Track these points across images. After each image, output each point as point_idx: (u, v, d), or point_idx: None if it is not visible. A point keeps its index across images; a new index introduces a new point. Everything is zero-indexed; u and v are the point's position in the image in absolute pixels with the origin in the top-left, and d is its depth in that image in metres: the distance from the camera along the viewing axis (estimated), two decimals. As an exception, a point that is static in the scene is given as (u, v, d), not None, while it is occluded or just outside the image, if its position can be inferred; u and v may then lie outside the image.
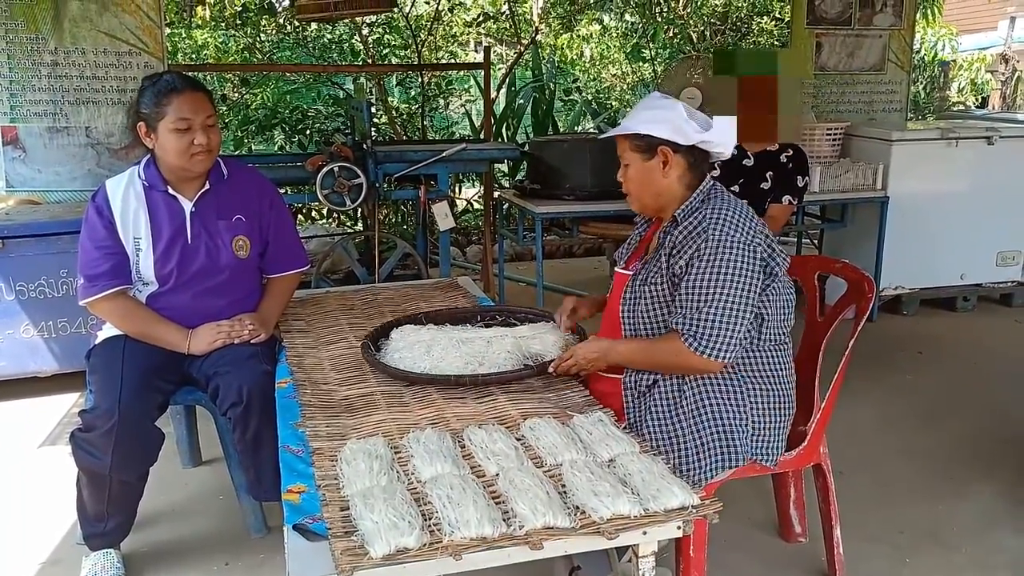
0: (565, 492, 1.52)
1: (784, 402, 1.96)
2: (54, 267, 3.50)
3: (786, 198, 3.29)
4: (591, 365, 2.00)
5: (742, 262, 1.83)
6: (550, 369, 2.01)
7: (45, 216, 3.65)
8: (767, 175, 3.30)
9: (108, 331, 2.39)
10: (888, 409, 3.45)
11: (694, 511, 1.48)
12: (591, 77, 9.04)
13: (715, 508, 1.49)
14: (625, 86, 8.72)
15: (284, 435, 1.82)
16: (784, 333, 2.00)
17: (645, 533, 1.46)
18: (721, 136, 1.93)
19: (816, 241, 5.40)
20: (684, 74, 4.08)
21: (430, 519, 1.43)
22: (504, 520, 1.42)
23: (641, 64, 8.51)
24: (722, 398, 1.90)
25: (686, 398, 1.91)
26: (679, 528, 1.47)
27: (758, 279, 1.86)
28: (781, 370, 1.97)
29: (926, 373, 3.86)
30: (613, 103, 8.43)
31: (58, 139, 4.01)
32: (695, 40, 8.06)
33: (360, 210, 4.96)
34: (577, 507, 1.47)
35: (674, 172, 1.95)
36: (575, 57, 9.08)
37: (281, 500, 1.58)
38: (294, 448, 1.74)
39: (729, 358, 1.84)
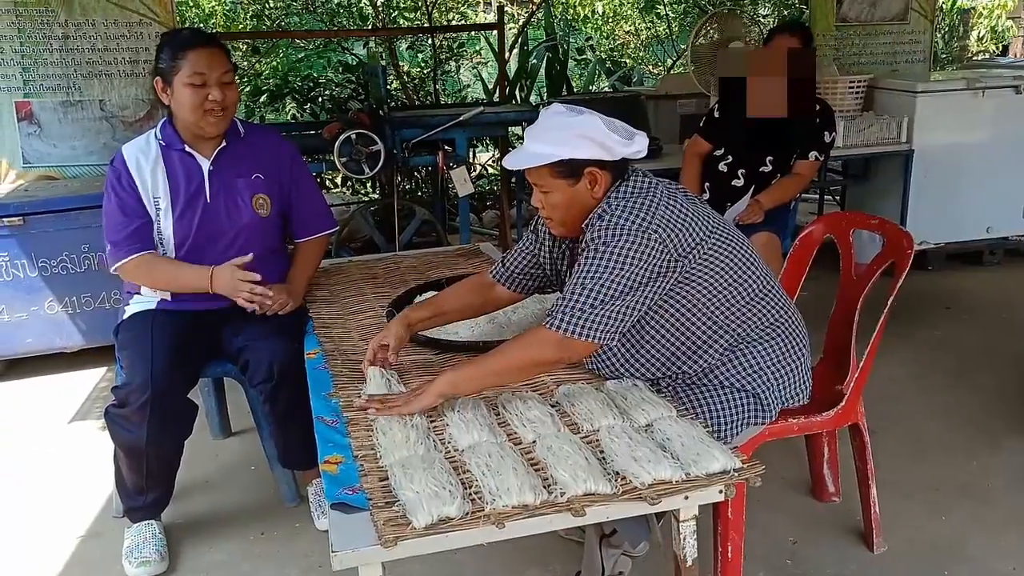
0: (604, 458, 1.51)
1: (797, 344, 1.88)
2: (75, 242, 3.50)
3: (812, 154, 3.22)
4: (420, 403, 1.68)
5: (629, 249, 1.66)
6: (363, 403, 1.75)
7: (64, 191, 3.64)
8: (793, 131, 3.23)
9: (135, 306, 2.38)
10: (918, 365, 3.41)
11: (735, 475, 1.47)
12: (604, 35, 8.88)
13: (757, 471, 1.48)
14: (639, 43, 8.56)
15: (317, 406, 1.81)
16: (765, 283, 1.85)
17: (687, 498, 1.45)
18: (643, 143, 1.77)
19: (838, 198, 5.31)
20: (707, 29, 4.00)
21: (470, 488, 1.42)
22: (545, 487, 1.41)
23: (655, 19, 8.34)
24: (732, 380, 1.82)
25: (701, 380, 1.83)
26: (721, 492, 1.45)
27: (650, 265, 1.67)
28: (782, 319, 1.86)
29: (955, 328, 3.81)
30: (627, 60, 8.28)
31: (72, 113, 3.98)
32: (710, -6, 7.88)
33: (376, 178, 4.92)
34: (617, 472, 1.46)
35: (602, 189, 1.75)
36: (587, 15, 8.91)
37: (317, 468, 1.58)
38: (328, 419, 1.74)
39: (597, 338, 1.66)
